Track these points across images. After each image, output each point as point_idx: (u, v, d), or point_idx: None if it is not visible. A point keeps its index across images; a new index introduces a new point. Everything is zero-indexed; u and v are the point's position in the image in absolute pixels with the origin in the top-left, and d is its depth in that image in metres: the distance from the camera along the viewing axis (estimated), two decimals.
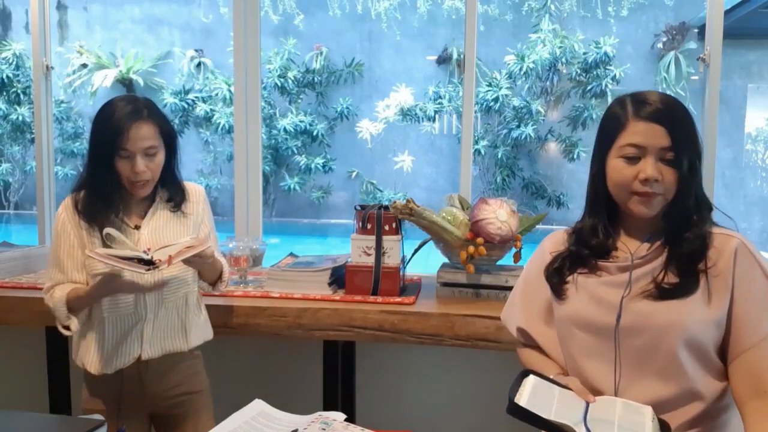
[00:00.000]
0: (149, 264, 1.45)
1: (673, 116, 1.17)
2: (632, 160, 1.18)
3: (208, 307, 1.84)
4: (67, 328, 1.61)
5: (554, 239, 1.37)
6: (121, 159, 1.57)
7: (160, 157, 1.62)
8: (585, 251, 1.26)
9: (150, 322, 1.63)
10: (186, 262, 1.56)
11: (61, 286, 1.62)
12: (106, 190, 1.59)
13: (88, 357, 1.65)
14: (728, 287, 1.15)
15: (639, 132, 1.17)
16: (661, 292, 1.16)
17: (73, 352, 1.71)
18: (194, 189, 1.78)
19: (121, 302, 1.61)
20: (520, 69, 9.40)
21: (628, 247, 1.24)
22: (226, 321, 1.93)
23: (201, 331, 1.76)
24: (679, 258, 1.18)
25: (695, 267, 1.16)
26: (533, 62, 9.39)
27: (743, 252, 1.16)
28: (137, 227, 1.64)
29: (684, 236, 1.18)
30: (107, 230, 1.53)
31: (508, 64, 9.49)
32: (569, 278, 1.27)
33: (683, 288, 1.15)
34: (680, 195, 1.19)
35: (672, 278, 1.17)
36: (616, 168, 1.20)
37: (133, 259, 1.45)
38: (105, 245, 1.56)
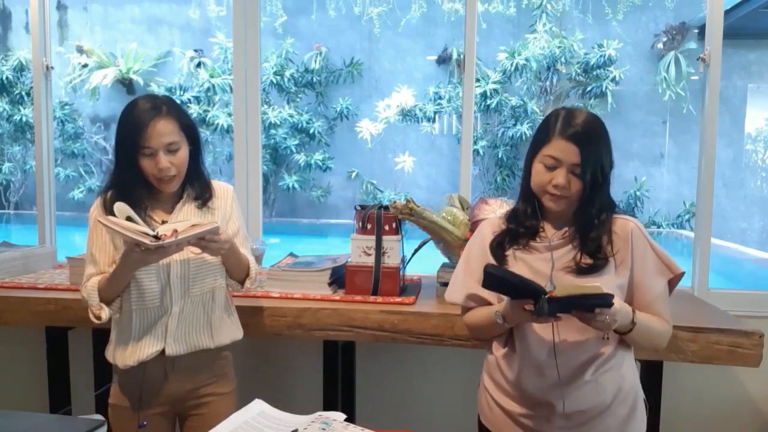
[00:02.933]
0: (156, 239, 1.49)
1: (589, 139, 1.47)
2: (550, 168, 1.49)
3: None
4: (99, 318, 1.63)
5: (492, 223, 1.65)
6: (145, 157, 1.60)
7: (184, 153, 1.65)
8: (520, 229, 1.58)
9: (175, 316, 1.66)
10: (204, 248, 1.59)
11: (95, 278, 1.65)
12: (130, 188, 1.63)
13: (115, 350, 1.69)
14: (628, 261, 1.52)
15: (559, 148, 1.47)
16: (580, 270, 1.49)
17: (106, 348, 1.74)
18: (222, 186, 1.81)
19: (147, 294, 1.64)
20: (512, 65, 9.35)
21: (548, 230, 1.57)
22: None
23: (229, 330, 1.77)
24: (588, 248, 1.51)
25: (603, 251, 1.51)
26: (525, 59, 9.35)
27: (637, 233, 1.53)
28: (164, 223, 1.66)
29: (589, 236, 1.51)
30: (117, 205, 1.56)
31: (501, 61, 9.48)
32: (508, 252, 1.57)
33: (598, 268, 1.49)
34: (585, 201, 1.50)
35: (587, 259, 1.51)
36: (538, 171, 1.52)
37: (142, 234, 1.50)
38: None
